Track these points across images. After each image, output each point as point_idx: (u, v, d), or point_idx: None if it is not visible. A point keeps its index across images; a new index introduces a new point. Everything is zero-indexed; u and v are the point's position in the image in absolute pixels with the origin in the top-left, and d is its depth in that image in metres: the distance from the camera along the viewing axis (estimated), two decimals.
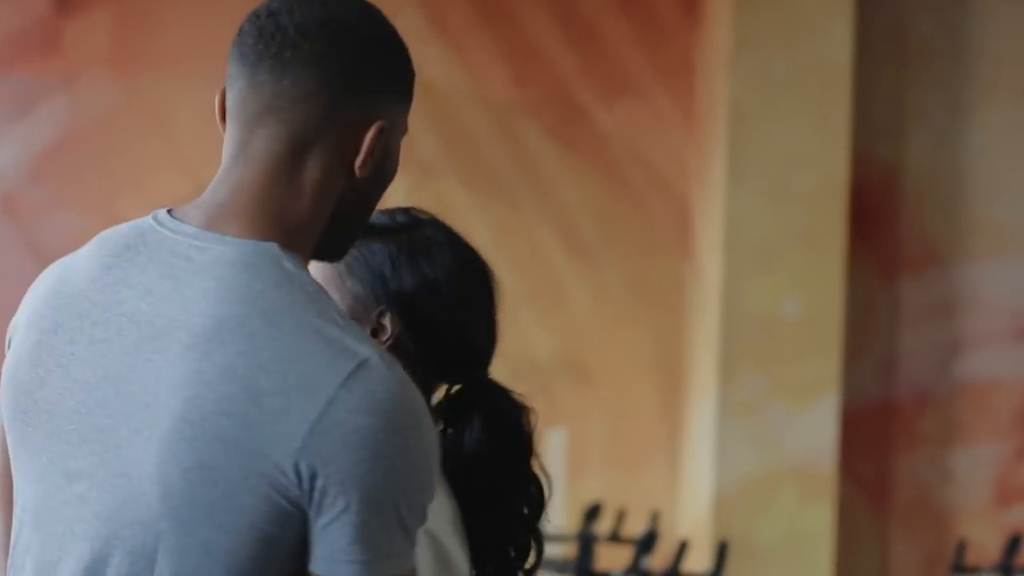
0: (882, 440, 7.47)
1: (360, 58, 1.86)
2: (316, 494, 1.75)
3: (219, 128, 1.94)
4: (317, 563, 1.77)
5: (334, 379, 1.73)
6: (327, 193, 1.84)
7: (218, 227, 1.81)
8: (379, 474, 1.77)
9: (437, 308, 2.32)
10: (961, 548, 6.75)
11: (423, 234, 2.39)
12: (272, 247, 1.80)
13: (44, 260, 6.41)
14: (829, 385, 7.15)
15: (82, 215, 7.32)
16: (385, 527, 1.80)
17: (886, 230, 7.55)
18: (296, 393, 1.73)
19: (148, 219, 1.89)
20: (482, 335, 2.37)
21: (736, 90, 7.34)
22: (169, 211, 1.90)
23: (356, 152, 1.84)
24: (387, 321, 2.32)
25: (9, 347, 1.95)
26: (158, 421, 1.78)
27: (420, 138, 7.49)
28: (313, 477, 1.74)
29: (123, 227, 1.92)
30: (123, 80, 7.51)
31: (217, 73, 6.36)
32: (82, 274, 1.88)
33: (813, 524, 7.06)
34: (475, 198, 7.56)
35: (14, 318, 1.95)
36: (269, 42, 1.84)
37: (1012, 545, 6.70)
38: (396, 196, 7.05)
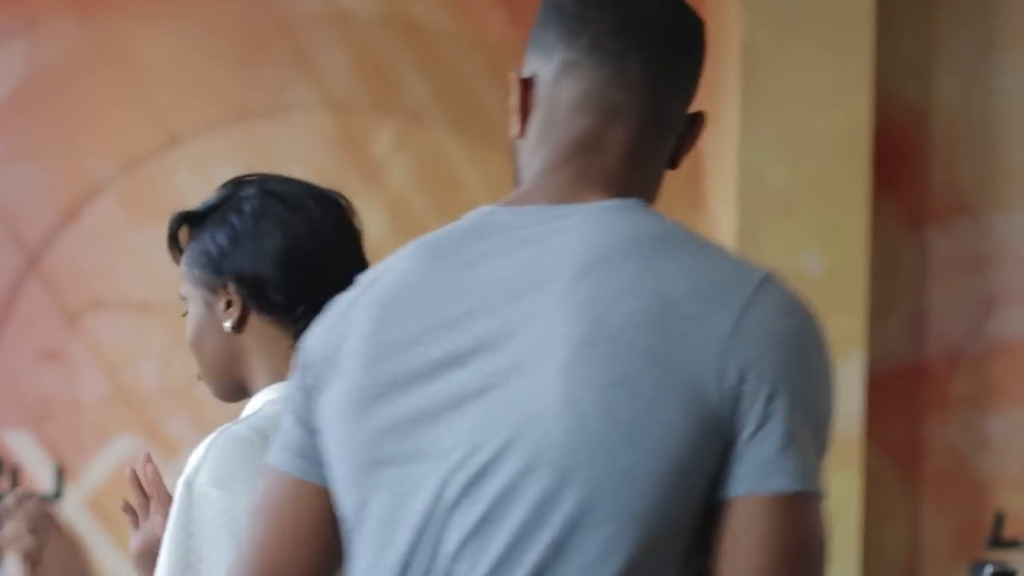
0: (911, 404, 7.22)
1: (698, 54, 2.00)
2: (742, 401, 1.73)
3: (512, 115, 1.98)
4: (740, 481, 1.71)
5: (748, 284, 1.79)
6: (659, 183, 1.96)
7: (570, 201, 1.87)
8: (805, 377, 1.78)
9: (257, 258, 2.52)
10: (999, 520, 6.63)
11: (237, 196, 2.61)
12: (639, 201, 1.87)
13: (3, 220, 6.14)
14: (854, 345, 6.91)
15: (43, 168, 7.02)
16: (810, 439, 1.78)
17: (913, 177, 7.30)
18: (713, 297, 1.77)
19: (475, 213, 1.94)
20: (309, 268, 2.53)
21: (749, 27, 7.10)
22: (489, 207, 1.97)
23: (682, 144, 1.97)
24: (230, 290, 2.50)
25: (327, 375, 1.93)
26: (556, 355, 1.78)
27: (409, 82, 7.24)
28: (740, 381, 1.74)
29: (447, 227, 1.97)
30: (86, 22, 7.14)
31: (186, 13, 5.83)
32: (415, 272, 1.90)
33: (839, 494, 6.68)
34: (469, 146, 7.26)
35: (316, 353, 1.95)
36: (639, 33, 1.92)
37: None
38: (385, 143, 6.60)
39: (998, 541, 6.71)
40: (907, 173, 7.32)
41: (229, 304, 2.53)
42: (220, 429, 2.53)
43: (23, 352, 7.18)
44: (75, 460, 7.03)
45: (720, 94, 7.37)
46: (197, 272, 2.55)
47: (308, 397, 1.93)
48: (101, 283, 7.19)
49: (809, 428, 1.77)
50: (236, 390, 2.65)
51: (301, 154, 7.39)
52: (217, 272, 2.53)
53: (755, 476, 1.75)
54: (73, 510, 6.88)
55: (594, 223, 1.84)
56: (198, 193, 6.84)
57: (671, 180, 6.49)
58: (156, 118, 7.15)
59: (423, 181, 7.44)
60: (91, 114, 7.14)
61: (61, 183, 7.12)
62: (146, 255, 7.10)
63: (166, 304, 6.99)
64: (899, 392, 7.20)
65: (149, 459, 2.61)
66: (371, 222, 6.85)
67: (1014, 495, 7.15)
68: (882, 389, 7.04)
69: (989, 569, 6.32)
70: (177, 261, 2.69)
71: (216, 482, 2.37)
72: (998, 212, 7.35)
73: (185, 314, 2.65)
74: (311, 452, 1.92)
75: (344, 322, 1.90)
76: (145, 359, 7.20)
